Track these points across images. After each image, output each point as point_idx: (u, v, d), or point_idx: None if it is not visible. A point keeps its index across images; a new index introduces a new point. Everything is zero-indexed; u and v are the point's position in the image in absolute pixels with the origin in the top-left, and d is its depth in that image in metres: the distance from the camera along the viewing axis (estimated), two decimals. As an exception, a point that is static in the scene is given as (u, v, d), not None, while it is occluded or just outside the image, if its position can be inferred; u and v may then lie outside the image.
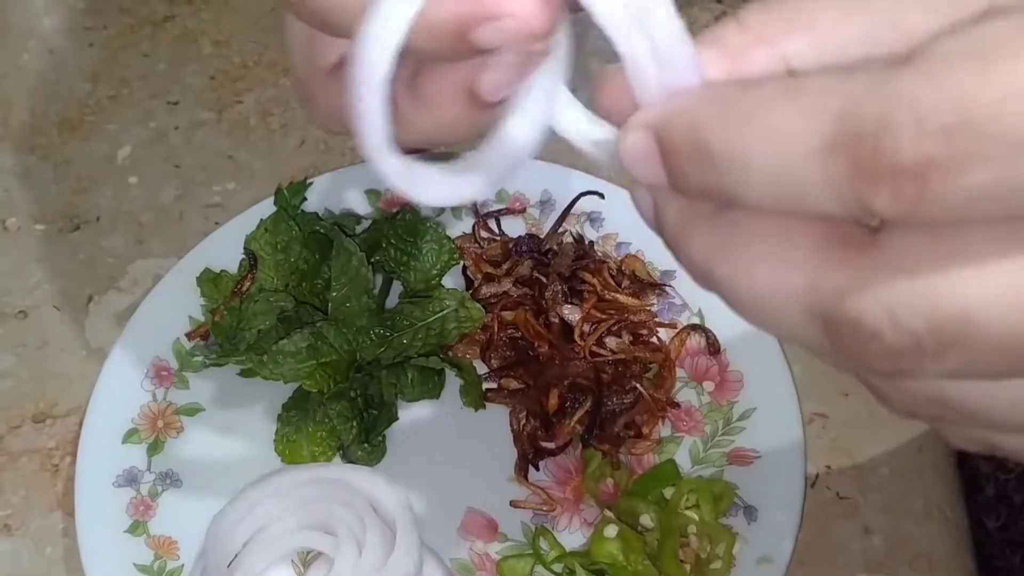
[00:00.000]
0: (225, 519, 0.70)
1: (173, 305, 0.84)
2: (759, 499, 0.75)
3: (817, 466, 0.78)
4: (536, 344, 0.80)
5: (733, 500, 0.75)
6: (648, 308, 0.83)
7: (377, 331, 0.79)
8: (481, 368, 0.82)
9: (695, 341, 0.83)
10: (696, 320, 0.84)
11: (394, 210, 0.89)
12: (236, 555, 0.73)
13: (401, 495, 0.72)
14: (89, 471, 0.77)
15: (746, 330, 0.84)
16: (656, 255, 0.87)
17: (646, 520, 0.73)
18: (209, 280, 0.84)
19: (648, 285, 0.85)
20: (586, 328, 0.81)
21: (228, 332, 0.81)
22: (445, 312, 0.80)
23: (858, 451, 0.81)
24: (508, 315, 0.83)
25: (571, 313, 0.81)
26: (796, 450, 0.76)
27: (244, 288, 0.83)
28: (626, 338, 0.81)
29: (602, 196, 0.88)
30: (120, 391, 0.80)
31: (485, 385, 0.81)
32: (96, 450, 0.78)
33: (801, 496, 0.74)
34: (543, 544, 0.75)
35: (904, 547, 0.76)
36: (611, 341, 0.81)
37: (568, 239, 0.88)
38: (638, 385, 0.78)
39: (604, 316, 0.81)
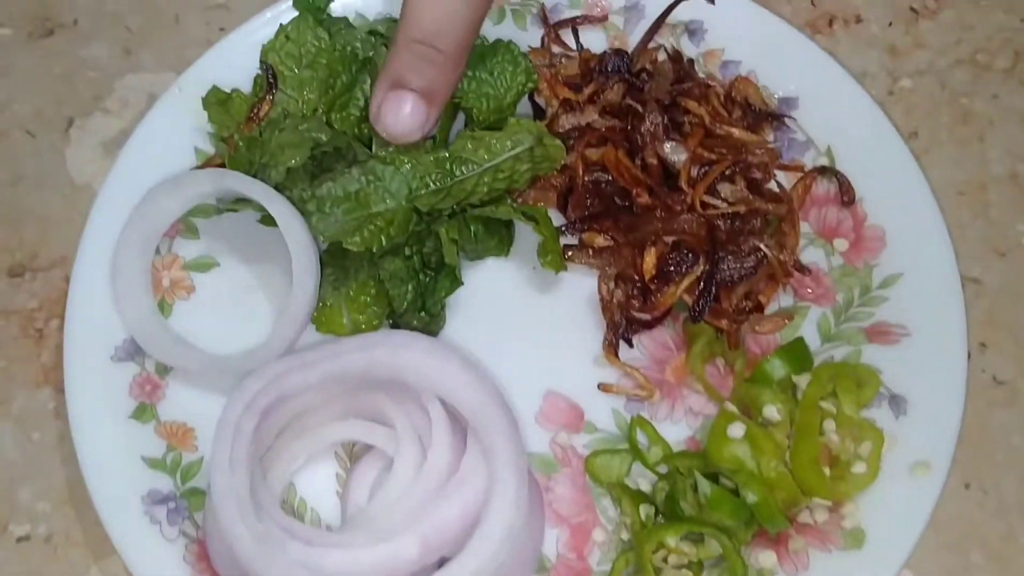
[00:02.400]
0: (242, 398, 0.55)
1: (174, 132, 0.68)
2: (909, 387, 0.61)
3: (969, 343, 0.63)
4: (634, 192, 0.63)
5: (879, 389, 0.61)
6: (769, 148, 0.66)
7: (435, 176, 0.63)
8: (557, 219, 0.66)
9: (823, 187, 0.67)
10: (824, 161, 0.68)
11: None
12: (269, 448, 0.60)
13: (483, 379, 0.57)
14: (80, 340, 0.62)
15: (888, 172, 0.70)
16: (773, 77, 0.70)
17: (771, 413, 0.59)
18: (217, 102, 0.66)
19: (764, 116, 0.68)
20: (694, 172, 0.64)
21: (248, 167, 0.64)
22: (517, 151, 0.64)
23: (1018, 324, 0.66)
24: (594, 153, 0.66)
25: (674, 152, 0.65)
26: (954, 327, 0.62)
27: (262, 112, 0.66)
28: (740, 184, 0.65)
29: (711, 1, 0.70)
30: (113, 240, 0.64)
31: (563, 241, 0.65)
32: (88, 314, 0.63)
33: (963, 383, 0.60)
34: (641, 437, 0.61)
35: (1076, 445, 0.64)
36: (724, 188, 0.64)
37: (662, 56, 0.71)
38: (761, 245, 0.63)
39: (715, 156, 0.65)
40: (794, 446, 0.57)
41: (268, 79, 0.66)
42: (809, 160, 0.68)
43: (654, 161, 0.65)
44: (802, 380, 0.60)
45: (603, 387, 0.63)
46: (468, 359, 0.58)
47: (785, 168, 0.67)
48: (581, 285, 0.66)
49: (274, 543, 0.52)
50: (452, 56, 0.58)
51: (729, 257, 0.63)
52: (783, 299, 0.65)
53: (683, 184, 0.64)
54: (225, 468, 0.52)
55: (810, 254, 0.66)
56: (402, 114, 0.59)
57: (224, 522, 0.51)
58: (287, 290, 0.63)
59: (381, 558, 0.53)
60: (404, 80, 0.59)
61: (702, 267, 0.62)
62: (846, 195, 0.66)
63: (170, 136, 0.68)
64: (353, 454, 0.62)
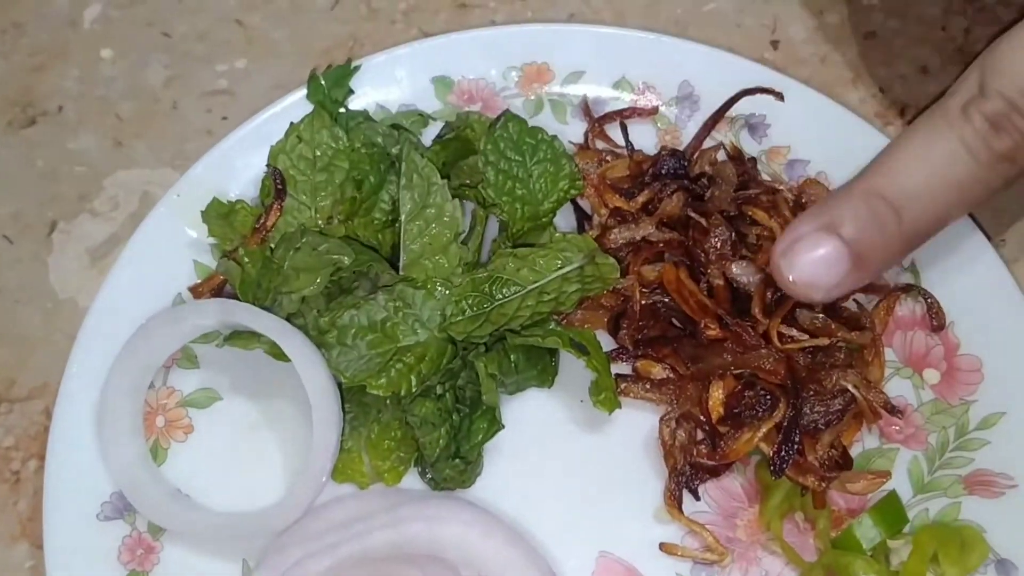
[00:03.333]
0: None
1: (171, 244, 0.60)
2: (1019, 549, 0.53)
3: (1078, 491, 0.55)
4: (703, 324, 0.55)
5: (987, 555, 0.53)
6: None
7: (473, 300, 0.55)
8: (606, 342, 0.58)
9: (907, 309, 0.59)
10: (908, 277, 0.60)
11: (477, 109, 0.63)
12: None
13: (532, 555, 0.49)
14: (62, 493, 0.54)
15: (981, 291, 0.62)
16: (845, 176, 0.61)
17: (865, 584, 0.51)
18: (219, 215, 0.58)
19: (840, 226, 0.60)
20: (768, 296, 0.56)
21: (257, 291, 0.56)
22: (566, 271, 0.56)
23: None
24: (651, 271, 0.58)
25: (745, 273, 0.57)
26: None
27: (269, 223, 0.58)
28: (817, 308, 0.57)
29: (779, 96, 0.62)
30: (102, 372, 0.56)
31: (615, 370, 0.57)
32: (71, 462, 0.55)
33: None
34: (711, 611, 0.53)
35: None
36: (803, 315, 0.56)
37: (722, 156, 0.63)
38: (849, 385, 0.54)
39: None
40: (899, 634, 0.49)
41: (277, 185, 0.59)
42: (891, 277, 0.60)
43: (721, 282, 0.57)
44: (899, 546, 0.52)
45: (665, 548, 0.55)
46: (515, 532, 0.49)
47: (867, 291, 0.59)
48: (637, 423, 0.58)
49: None
50: (906, 236, 0.47)
51: (812, 398, 0.55)
52: (868, 441, 0.57)
53: (756, 312, 0.56)
54: None
55: (896, 387, 0.58)
56: (817, 258, 0.47)
57: None
58: (300, 430, 0.55)
59: None
60: (841, 227, 0.47)
61: (783, 411, 0.54)
62: (935, 318, 0.59)
63: (167, 249, 0.60)
64: (378, 632, 0.53)
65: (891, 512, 0.53)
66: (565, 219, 0.61)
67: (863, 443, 0.57)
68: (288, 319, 0.55)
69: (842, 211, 0.47)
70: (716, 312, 0.56)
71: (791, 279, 0.47)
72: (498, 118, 0.59)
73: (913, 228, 0.47)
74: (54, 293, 0.63)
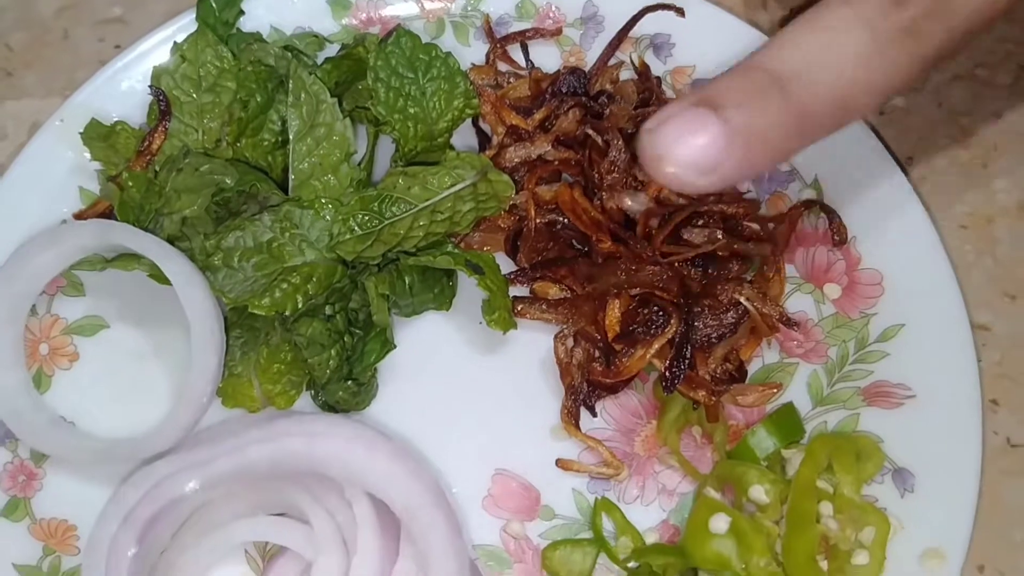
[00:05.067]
0: (117, 511, 0.45)
1: (56, 170, 0.58)
2: (915, 459, 0.53)
3: (979, 402, 0.55)
4: (594, 238, 0.54)
5: (882, 464, 0.52)
6: (748, 200, 0.57)
7: (361, 218, 0.53)
8: (505, 265, 0.57)
9: (811, 225, 0.59)
10: (811, 193, 0.59)
11: (374, 30, 0.62)
12: (165, 549, 0.50)
13: (418, 471, 0.48)
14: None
15: (884, 207, 0.61)
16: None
17: (759, 494, 0.50)
18: (100, 136, 0.57)
19: (742, 143, 0.59)
20: (654, 223, 0.55)
21: (140, 214, 0.55)
22: (458, 188, 0.55)
23: (1033, 378, 0.59)
24: (546, 191, 0.57)
25: (636, 203, 0.56)
26: (965, 383, 0.53)
27: (153, 146, 0.56)
28: (715, 227, 0.56)
29: (679, 12, 0.61)
30: (-18, 302, 0.54)
31: (513, 292, 0.56)
32: (-50, 391, 0.53)
33: (978, 452, 0.52)
34: (607, 524, 0.53)
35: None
36: (695, 234, 0.55)
37: (625, 75, 0.62)
38: (741, 298, 0.54)
39: (681, 201, 0.56)
40: (787, 540, 0.49)
41: (160, 107, 0.57)
42: (793, 193, 0.59)
43: (614, 205, 0.56)
44: (792, 455, 0.51)
45: (562, 464, 0.54)
46: (400, 446, 0.49)
47: (764, 220, 0.58)
48: (534, 344, 0.57)
49: None
50: (796, 113, 0.42)
51: (705, 313, 0.54)
52: (768, 355, 0.57)
53: (639, 233, 0.55)
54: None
55: (797, 302, 0.58)
56: (693, 140, 0.41)
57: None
58: (188, 358, 0.54)
59: None
60: (720, 105, 0.41)
61: (674, 327, 0.53)
62: (837, 234, 0.58)
63: (50, 175, 0.58)
64: (266, 553, 0.52)
65: (786, 422, 0.53)
66: (466, 143, 0.60)
67: (763, 359, 0.57)
68: (170, 242, 0.54)
69: (718, 87, 0.41)
70: (609, 227, 0.55)
71: (661, 159, 0.41)
72: (389, 33, 0.57)
73: (802, 105, 0.41)
74: (-62, 225, 0.61)
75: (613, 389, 0.55)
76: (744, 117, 0.41)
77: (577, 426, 0.55)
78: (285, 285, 0.52)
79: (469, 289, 0.57)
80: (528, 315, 0.56)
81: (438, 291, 0.57)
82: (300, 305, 0.52)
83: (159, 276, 0.54)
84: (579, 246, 0.57)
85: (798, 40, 0.42)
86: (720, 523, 0.49)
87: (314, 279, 0.53)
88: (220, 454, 0.46)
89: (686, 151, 0.40)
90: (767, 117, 0.41)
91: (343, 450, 0.47)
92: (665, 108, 0.42)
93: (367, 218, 0.54)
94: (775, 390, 0.54)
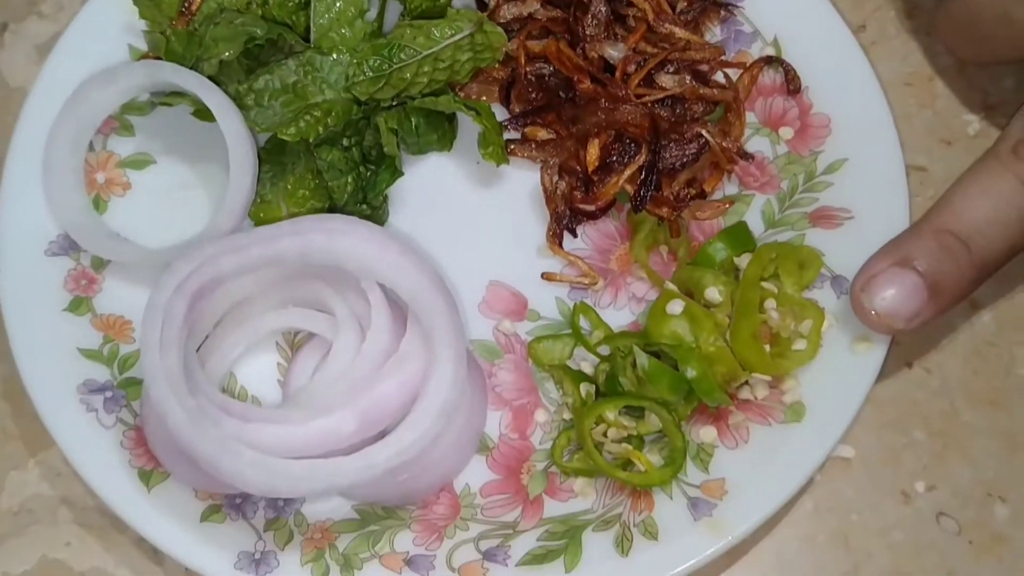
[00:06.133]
0: (172, 280, 0.53)
1: (107, 30, 0.66)
2: (851, 268, 0.60)
3: (913, 230, 0.63)
4: (575, 79, 0.62)
5: (820, 271, 0.60)
6: (713, 46, 0.65)
7: (373, 62, 0.62)
8: (501, 114, 0.65)
9: (769, 78, 0.67)
10: (771, 51, 0.67)
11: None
12: (207, 337, 0.59)
13: (422, 263, 0.56)
14: (13, 236, 0.61)
15: (834, 62, 0.69)
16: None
17: (713, 294, 0.59)
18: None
19: (711, 5, 0.67)
20: (631, 69, 0.63)
21: (182, 63, 0.63)
22: (458, 38, 0.63)
23: (963, 213, 0.66)
24: (536, 45, 0.65)
25: (615, 50, 0.64)
26: (897, 211, 0.61)
27: (194, 6, 0.64)
28: (685, 76, 0.64)
29: None
30: (45, 138, 0.63)
31: (507, 136, 0.64)
32: (20, 211, 0.62)
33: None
34: (584, 324, 0.61)
35: (1019, 324, 0.63)
36: (665, 79, 0.64)
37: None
38: (703, 131, 0.62)
39: (655, 51, 0.64)
40: (734, 322, 0.57)
41: (202, -29, 0.65)
42: (755, 52, 0.67)
43: (595, 54, 0.64)
44: (744, 262, 0.60)
45: (546, 276, 0.63)
46: (407, 244, 0.57)
47: (729, 65, 0.66)
48: (525, 179, 0.65)
49: (208, 419, 0.51)
50: (977, 266, 0.53)
51: (671, 145, 0.62)
52: (729, 189, 0.65)
53: (618, 76, 0.63)
54: (155, 349, 0.51)
55: (756, 144, 0.66)
56: (894, 294, 0.53)
57: (156, 400, 0.51)
58: (225, 188, 0.62)
59: (318, 432, 0.52)
60: (914, 262, 0.53)
61: (644, 156, 0.61)
62: (792, 83, 0.66)
63: (103, 34, 0.66)
64: (295, 344, 0.61)
65: (739, 235, 0.61)
66: (465, 2, 0.68)
67: (724, 191, 0.65)
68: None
69: (913, 247, 0.53)
70: (588, 69, 0.63)
71: (872, 312, 0.53)
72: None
73: (982, 258, 0.53)
74: (5, 83, 0.70)
75: (593, 216, 0.64)
76: (939, 272, 0.53)
77: (560, 245, 0.63)
78: (308, 117, 0.61)
79: (468, 136, 0.65)
80: (519, 153, 0.65)
81: (441, 133, 0.65)
82: (321, 132, 0.60)
83: (201, 113, 0.62)
84: (564, 94, 0.65)
85: (973, 204, 0.53)
86: (676, 307, 0.57)
87: (333, 113, 0.61)
88: (256, 242, 0.55)
89: (894, 305, 0.53)
90: (958, 271, 0.53)
91: (359, 245, 0.55)
92: (869, 266, 0.54)
93: (378, 62, 0.62)
94: (728, 205, 0.62)
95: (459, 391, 0.53)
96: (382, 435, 0.54)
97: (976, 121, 0.68)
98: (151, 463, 0.56)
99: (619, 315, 0.62)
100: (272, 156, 0.64)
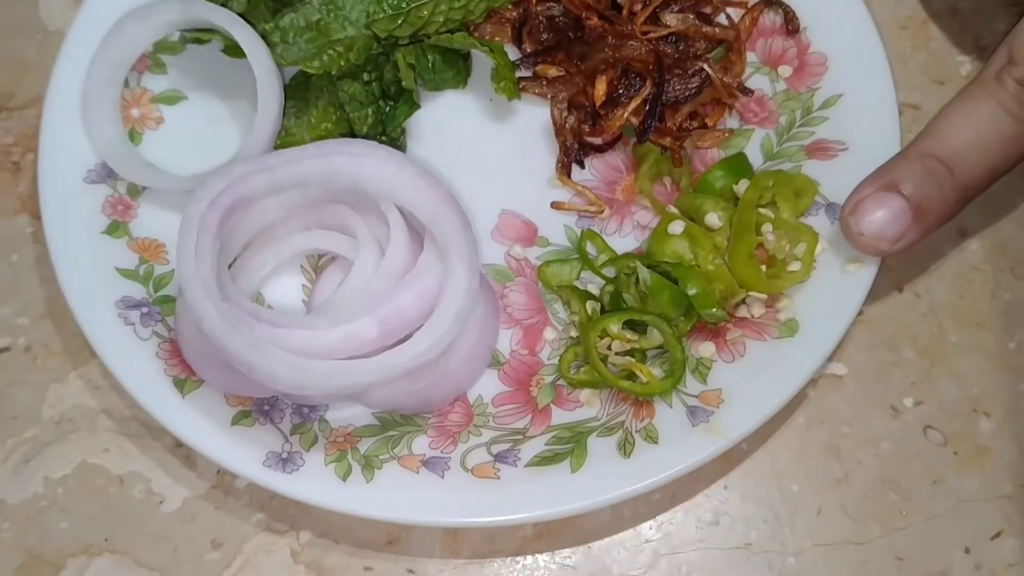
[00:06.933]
0: (206, 195, 0.56)
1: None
2: (845, 196, 0.63)
3: (907, 164, 0.66)
4: (583, 16, 0.66)
5: (815, 198, 0.64)
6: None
7: (392, 1, 0.65)
8: (513, 54, 0.69)
9: (769, 19, 0.70)
10: (771, -5, 0.70)
11: None
12: (236, 258, 0.63)
13: (438, 184, 0.60)
14: (54, 166, 0.65)
15: (832, 4, 0.72)
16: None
17: (713, 220, 0.62)
18: (182, -56, 0.68)
19: (713, -49, 0.71)
20: (637, 7, 0.67)
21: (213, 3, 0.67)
22: (472, -22, 0.66)
23: (954, 148, 0.69)
24: (548, -12, 0.68)
25: (623, -11, 0.67)
26: (890, 141, 0.64)
27: (224, -49, 0.68)
28: (689, 15, 0.68)
29: None
30: (83, 76, 0.67)
31: (519, 74, 0.68)
32: (60, 142, 0.66)
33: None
34: (590, 249, 0.65)
35: (1004, 251, 0.67)
36: (670, 18, 0.67)
37: None
38: (705, 66, 0.65)
39: (662, -13, 0.67)
40: (732, 242, 0.61)
41: (229, -82, 0.68)
42: (755, -6, 0.70)
43: (604, -5, 0.68)
44: (742, 189, 0.63)
45: (555, 205, 0.66)
46: (424, 168, 0.60)
47: (731, 5, 0.70)
48: (536, 116, 0.69)
49: (240, 322, 0.55)
50: (961, 187, 0.55)
51: (675, 80, 0.66)
52: (730, 124, 0.68)
53: (624, 12, 0.66)
54: (190, 256, 0.55)
55: (756, 82, 0.69)
56: (881, 216, 0.56)
57: (192, 302, 0.55)
58: (254, 119, 0.66)
59: (343, 337, 0.56)
60: (900, 185, 0.56)
61: (648, 89, 0.65)
62: (791, 24, 0.69)
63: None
64: (318, 267, 0.65)
65: (738, 165, 0.64)
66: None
67: (725, 125, 0.68)
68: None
69: (899, 172, 0.56)
70: (595, 7, 0.66)
71: (860, 234, 0.56)
72: None
73: (965, 181, 0.55)
74: (44, 26, 0.74)
75: (600, 148, 0.67)
76: (923, 195, 0.55)
77: (569, 176, 0.67)
78: (331, 52, 0.64)
79: (482, 75, 0.69)
80: (530, 90, 0.68)
81: (456, 71, 0.69)
82: (343, 66, 0.64)
83: (230, 50, 0.66)
84: (574, 34, 0.69)
85: (956, 129, 0.56)
86: (676, 227, 0.60)
87: (354, 49, 0.65)
88: (283, 163, 0.58)
89: (880, 227, 0.55)
90: (941, 194, 0.55)
91: (379, 167, 0.59)
92: (857, 190, 0.57)
93: (396, 1, 0.66)
94: (728, 133, 0.65)
95: (472, 299, 0.57)
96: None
97: (968, 62, 0.72)
98: (185, 372, 0.60)
99: (624, 242, 0.66)
100: (296, 92, 0.67)
